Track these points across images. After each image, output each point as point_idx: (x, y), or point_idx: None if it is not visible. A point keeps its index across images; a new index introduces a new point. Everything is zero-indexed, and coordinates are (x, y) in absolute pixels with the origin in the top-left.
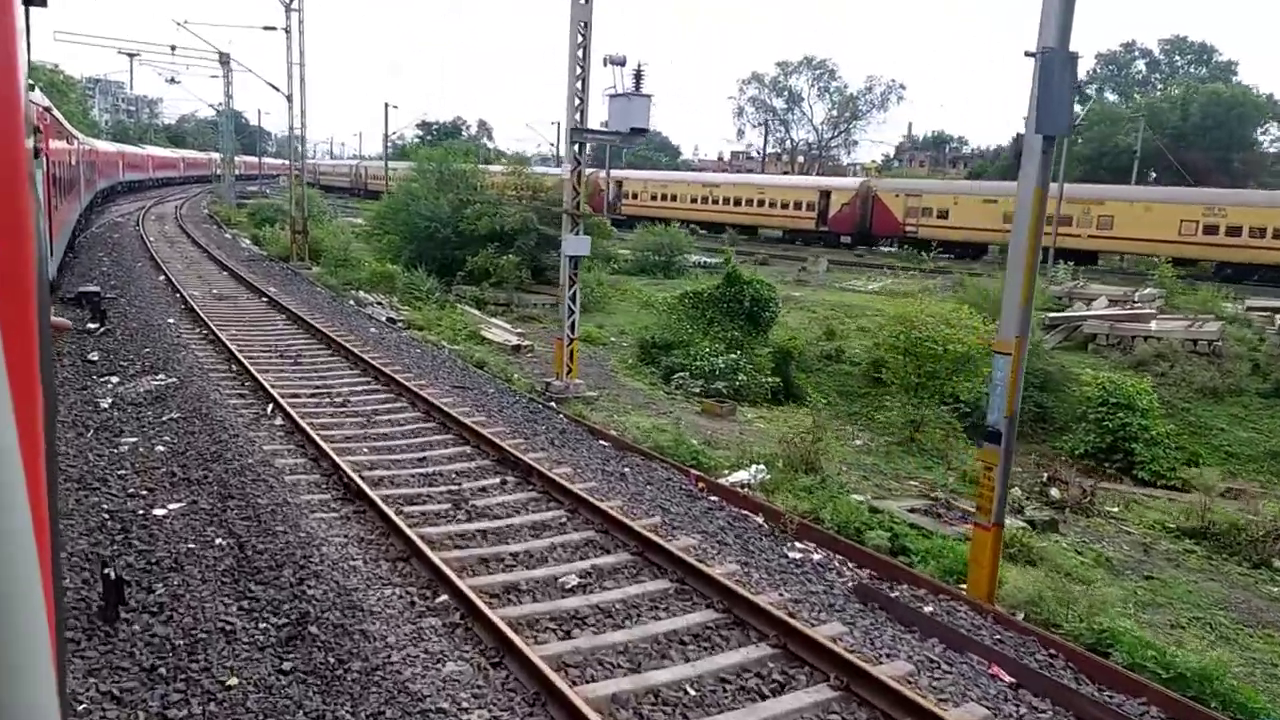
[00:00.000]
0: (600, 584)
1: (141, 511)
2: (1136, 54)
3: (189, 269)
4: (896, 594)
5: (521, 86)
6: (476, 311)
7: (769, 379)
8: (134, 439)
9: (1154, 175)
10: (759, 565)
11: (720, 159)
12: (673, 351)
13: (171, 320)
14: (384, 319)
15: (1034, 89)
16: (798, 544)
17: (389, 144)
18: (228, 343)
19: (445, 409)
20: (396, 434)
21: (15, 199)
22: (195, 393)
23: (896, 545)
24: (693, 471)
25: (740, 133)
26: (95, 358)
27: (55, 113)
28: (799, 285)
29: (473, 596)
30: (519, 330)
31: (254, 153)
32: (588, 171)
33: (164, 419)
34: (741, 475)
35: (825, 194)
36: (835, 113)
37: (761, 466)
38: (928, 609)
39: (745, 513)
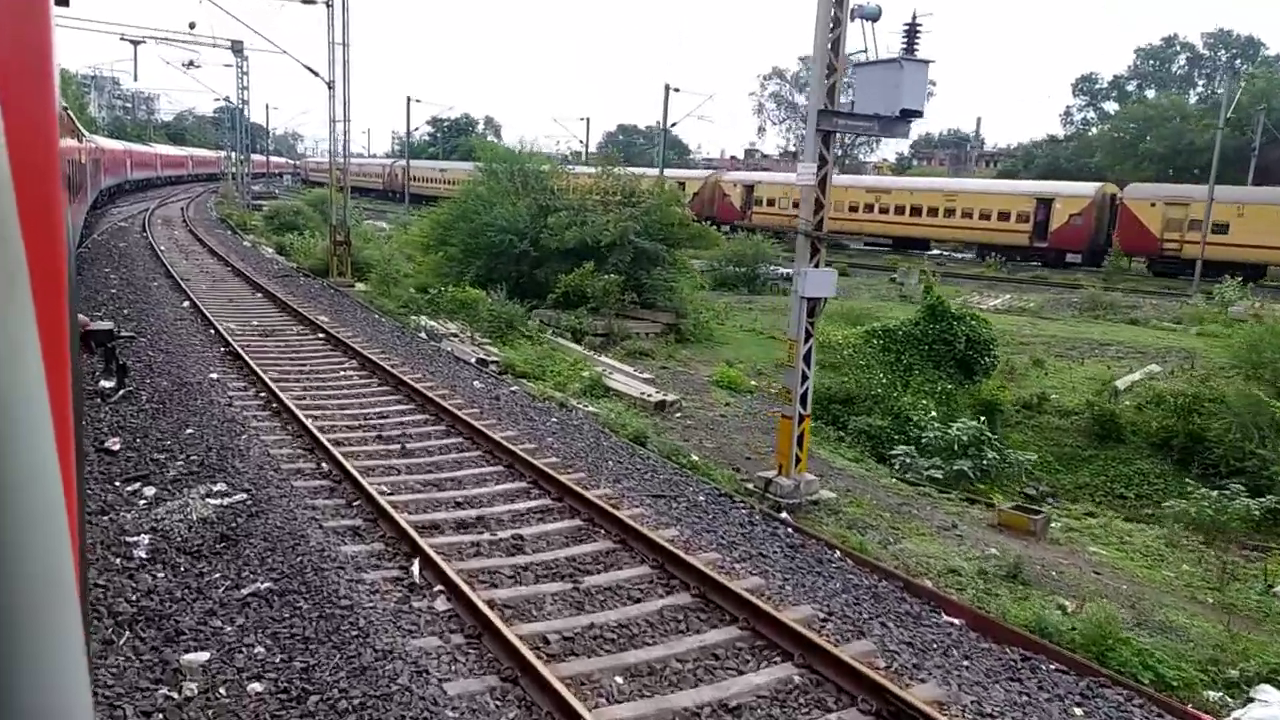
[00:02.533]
0: None
1: None
2: (1178, 48)
3: (214, 288)
4: None
5: (528, 83)
6: (577, 346)
7: (1023, 454)
8: (204, 655)
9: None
10: None
11: (731, 157)
12: (858, 406)
13: (215, 375)
14: (474, 360)
15: None
16: None
17: (407, 141)
18: (299, 414)
19: (681, 556)
20: (643, 625)
21: (48, 197)
22: (281, 526)
23: None
24: (1193, 712)
25: (760, 130)
26: (117, 446)
27: (70, 113)
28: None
29: None
30: (644, 375)
31: (256, 149)
32: (704, 175)
33: (245, 595)
34: (1264, 717)
35: (1045, 202)
36: None
37: None
38: None
39: None
